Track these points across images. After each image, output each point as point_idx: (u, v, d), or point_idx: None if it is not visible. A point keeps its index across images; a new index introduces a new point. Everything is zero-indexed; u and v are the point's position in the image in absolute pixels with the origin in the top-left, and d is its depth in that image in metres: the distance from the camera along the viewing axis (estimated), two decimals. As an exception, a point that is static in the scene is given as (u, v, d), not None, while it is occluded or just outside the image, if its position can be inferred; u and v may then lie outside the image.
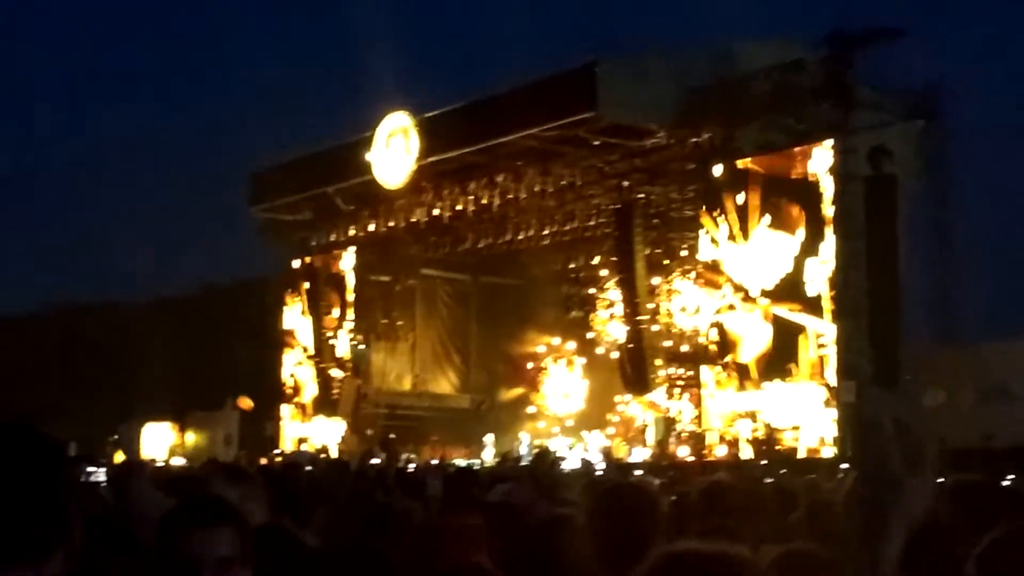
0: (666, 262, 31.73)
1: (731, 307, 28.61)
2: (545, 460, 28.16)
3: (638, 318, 30.51)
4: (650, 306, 31.21)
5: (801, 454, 26.25)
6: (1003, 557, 2.90)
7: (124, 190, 69.40)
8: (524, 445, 34.77)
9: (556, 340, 40.12)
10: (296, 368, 40.84)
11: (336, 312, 39.94)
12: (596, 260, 36.24)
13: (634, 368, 30.88)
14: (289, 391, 40.82)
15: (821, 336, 26.65)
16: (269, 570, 3.95)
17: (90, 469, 14.09)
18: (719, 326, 28.82)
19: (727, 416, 28.65)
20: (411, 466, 24.87)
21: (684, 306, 31.11)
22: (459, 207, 33.59)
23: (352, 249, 38.94)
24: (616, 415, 36.40)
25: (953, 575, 2.97)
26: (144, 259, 62.30)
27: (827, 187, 26.55)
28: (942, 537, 4.14)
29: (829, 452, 25.63)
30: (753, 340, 28.14)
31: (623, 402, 35.74)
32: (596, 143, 30.14)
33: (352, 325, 39.89)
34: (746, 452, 27.13)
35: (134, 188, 69.69)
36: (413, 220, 34.94)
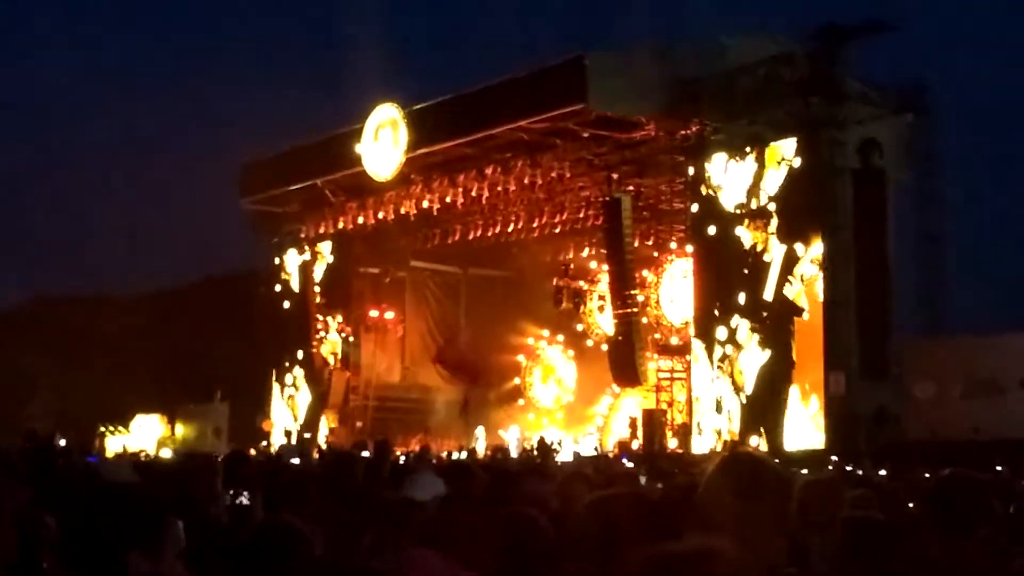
0: (655, 254, 31.71)
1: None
2: (545, 449, 28.53)
3: (627, 310, 30.53)
4: (640, 298, 31.22)
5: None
6: None
7: (115, 183, 69.28)
8: (513, 438, 34.91)
9: (546, 332, 40.17)
10: (285, 360, 40.82)
11: (325, 304, 39.96)
12: (586, 252, 36.27)
13: (623, 361, 30.90)
14: (278, 383, 40.83)
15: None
16: (272, 567, 3.97)
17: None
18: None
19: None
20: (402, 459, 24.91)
21: (673, 298, 31.15)
22: (448, 199, 33.60)
23: (341, 241, 38.93)
24: (605, 408, 36.53)
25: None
26: (135, 251, 62.21)
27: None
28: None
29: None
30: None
31: (612, 394, 35.86)
32: (585, 135, 30.15)
33: (341, 317, 39.93)
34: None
35: (125, 181, 69.55)
36: (402, 212, 34.92)
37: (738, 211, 27.88)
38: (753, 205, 27.64)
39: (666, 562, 2.50)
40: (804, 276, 26.72)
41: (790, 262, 26.91)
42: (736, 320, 27.86)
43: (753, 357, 27.48)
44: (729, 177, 28.17)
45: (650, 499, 4.37)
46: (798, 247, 26.60)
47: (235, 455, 8.45)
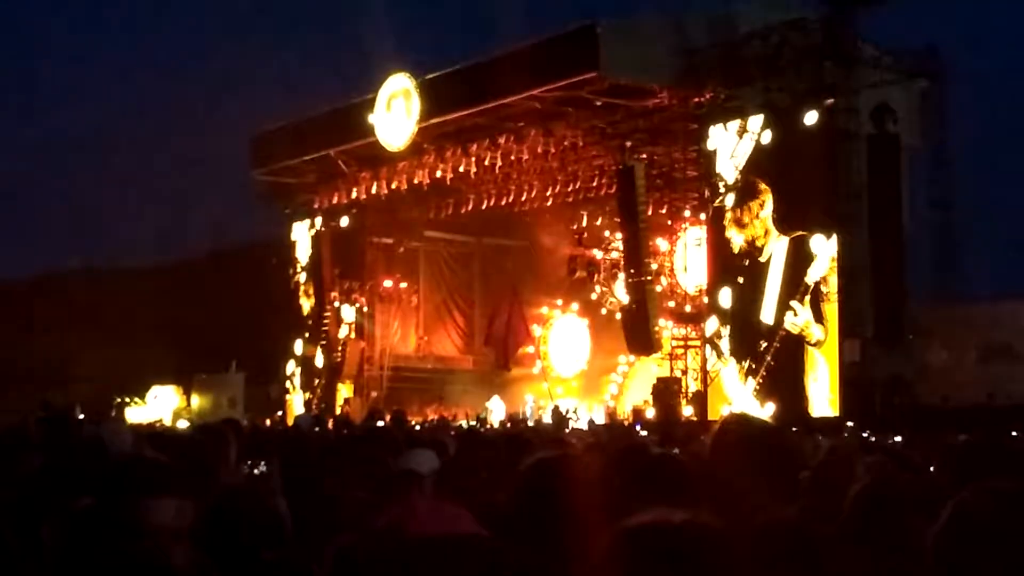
0: (669, 222, 31.68)
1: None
2: (559, 417, 28.62)
3: (641, 279, 30.49)
4: (653, 266, 31.17)
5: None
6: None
7: (129, 154, 69.32)
8: (528, 406, 35.00)
9: (559, 301, 40.17)
10: (300, 330, 40.95)
11: (339, 275, 40.03)
12: (599, 221, 36.22)
13: (638, 329, 30.89)
14: (292, 353, 40.96)
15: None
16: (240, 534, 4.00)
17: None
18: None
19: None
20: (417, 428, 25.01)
21: (687, 266, 31.09)
22: (461, 169, 33.56)
23: (355, 211, 38.95)
24: (620, 376, 36.56)
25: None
26: (148, 223, 62.36)
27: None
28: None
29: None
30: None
31: (627, 363, 35.88)
32: (598, 104, 30.07)
33: (355, 288, 40.01)
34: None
35: (139, 152, 69.58)
36: (416, 182, 34.91)
37: (735, 184, 27.87)
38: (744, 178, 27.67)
39: (635, 535, 2.29)
40: (823, 290, 25.94)
41: (799, 263, 26.50)
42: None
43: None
44: (728, 148, 28.16)
45: (661, 465, 4.37)
46: (813, 240, 26.47)
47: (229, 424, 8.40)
